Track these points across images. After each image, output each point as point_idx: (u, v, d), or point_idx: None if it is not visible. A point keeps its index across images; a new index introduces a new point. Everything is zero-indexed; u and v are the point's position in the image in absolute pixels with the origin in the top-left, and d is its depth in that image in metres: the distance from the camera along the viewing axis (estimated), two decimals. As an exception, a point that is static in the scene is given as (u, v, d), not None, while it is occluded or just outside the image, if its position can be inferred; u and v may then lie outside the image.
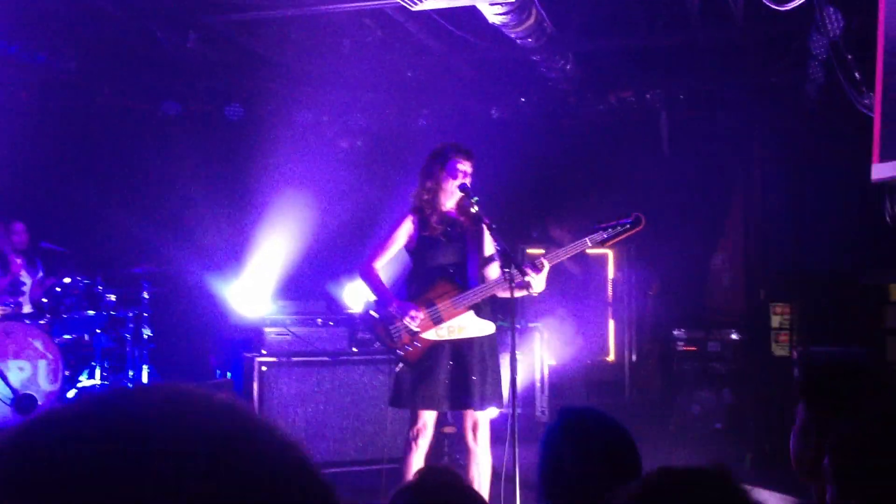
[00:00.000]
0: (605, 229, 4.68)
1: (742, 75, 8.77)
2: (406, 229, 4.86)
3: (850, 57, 5.03)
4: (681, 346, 8.86)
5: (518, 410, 4.43)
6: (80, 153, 9.36)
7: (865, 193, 8.64)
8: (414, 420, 4.78)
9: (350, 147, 10.32)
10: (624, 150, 9.81)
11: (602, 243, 4.72)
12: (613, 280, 9.99)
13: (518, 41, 7.42)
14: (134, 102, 9.44)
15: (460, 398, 4.71)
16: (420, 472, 1.89)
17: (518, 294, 4.55)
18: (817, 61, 7.04)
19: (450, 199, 4.85)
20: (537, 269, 4.52)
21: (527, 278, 4.48)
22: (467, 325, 4.71)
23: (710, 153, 9.51)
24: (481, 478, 4.84)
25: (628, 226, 4.66)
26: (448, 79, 9.41)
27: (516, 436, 4.30)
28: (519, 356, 4.45)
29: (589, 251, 8.76)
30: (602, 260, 9.91)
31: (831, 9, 5.68)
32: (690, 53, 8.64)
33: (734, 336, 8.79)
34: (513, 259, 4.42)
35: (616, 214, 4.70)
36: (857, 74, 5.09)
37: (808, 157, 9.17)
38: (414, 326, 4.63)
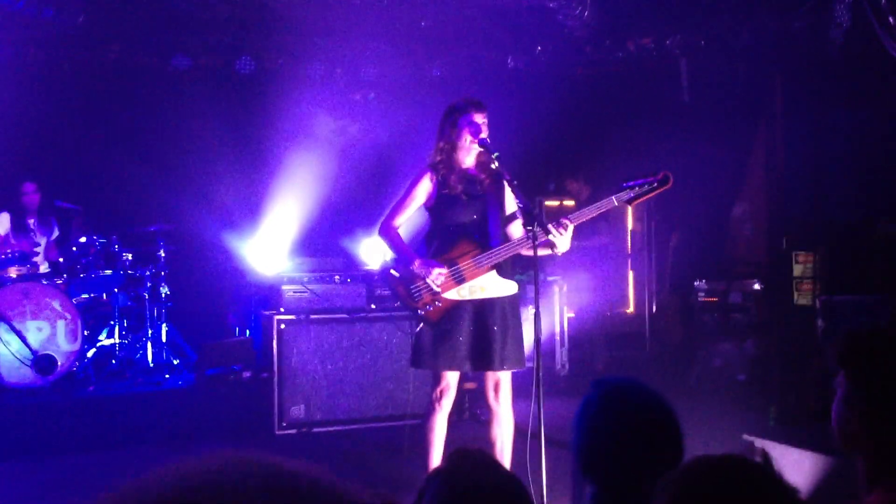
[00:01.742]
0: (631, 188, 4.48)
1: (764, 20, 8.53)
2: (425, 187, 4.74)
3: (883, 1, 4.85)
4: (702, 298, 8.76)
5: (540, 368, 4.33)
6: (90, 110, 9.25)
7: (889, 140, 8.48)
8: (437, 381, 4.72)
9: (363, 99, 10.17)
10: (643, 98, 9.62)
11: (629, 202, 4.52)
12: (633, 231, 9.87)
13: (535, -12, 7.24)
14: (144, 57, 9.28)
15: (480, 359, 4.63)
16: (451, 455, 1.81)
17: (542, 253, 4.43)
18: (843, 5, 6.83)
19: (468, 155, 4.72)
20: (561, 228, 4.39)
21: (551, 237, 4.36)
22: (489, 285, 4.61)
23: (731, 100, 9.30)
24: (504, 437, 4.79)
25: (655, 184, 4.44)
26: (462, 28, 9.21)
27: (541, 393, 4.22)
28: (539, 309, 4.32)
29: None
30: (621, 211, 9.79)
31: (861, -49, 5.48)
32: (711, -3, 8.42)
33: (756, 286, 8.67)
34: (536, 217, 4.28)
35: (643, 172, 4.48)
36: (891, 19, 4.90)
37: (830, 104, 8.97)
38: (436, 286, 4.54)
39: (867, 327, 2.25)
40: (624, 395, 2.02)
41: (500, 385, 4.73)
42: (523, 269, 7.00)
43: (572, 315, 8.68)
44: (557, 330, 8.41)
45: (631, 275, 9.83)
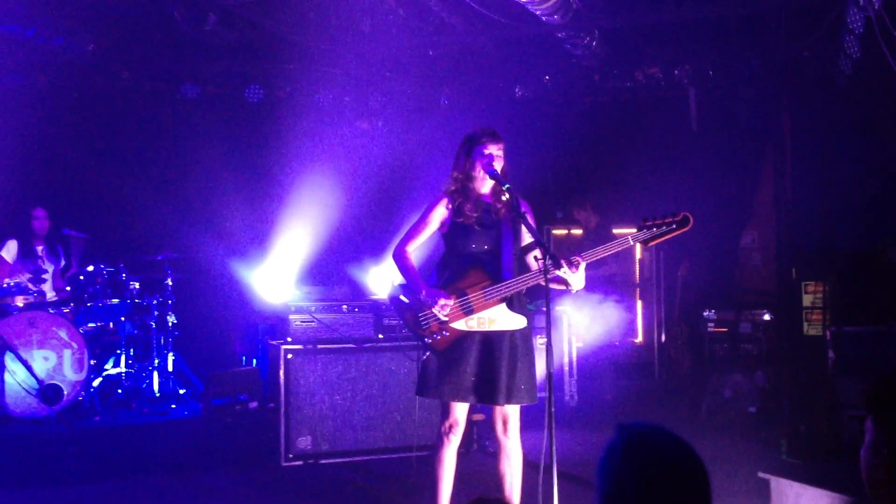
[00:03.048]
0: (649, 228, 4.44)
1: (772, 49, 8.54)
2: (440, 213, 4.73)
3: (897, 34, 4.84)
4: (711, 328, 8.71)
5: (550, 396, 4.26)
6: (99, 137, 9.28)
7: (898, 168, 8.46)
8: (446, 414, 4.66)
9: (371, 127, 10.17)
10: (651, 127, 9.61)
11: (645, 243, 4.48)
12: (641, 260, 9.83)
13: (543, 18, 7.25)
14: (153, 85, 9.32)
15: (486, 392, 4.56)
16: None
17: (555, 287, 4.40)
18: (853, 35, 6.81)
19: (483, 185, 4.70)
20: (573, 267, 4.35)
21: (562, 273, 4.32)
22: (498, 318, 4.56)
23: (739, 129, 9.30)
24: (513, 470, 4.73)
25: (674, 226, 4.39)
26: (470, 57, 9.23)
27: (553, 425, 4.16)
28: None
29: (615, 230, 8.66)
30: (629, 240, 9.75)
31: (872, -18, 5.47)
32: (719, 27, 8.42)
33: (766, 317, 8.61)
34: (548, 251, 4.25)
35: (662, 212, 4.42)
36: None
37: (839, 133, 8.95)
38: (443, 315, 4.50)
39: (893, 372, 2.19)
40: (649, 442, 1.96)
41: (509, 419, 4.67)
42: (532, 298, 6.95)
43: (581, 345, 8.61)
44: (566, 360, 8.35)
45: (640, 304, 9.78)
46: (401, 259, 4.74)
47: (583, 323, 8.57)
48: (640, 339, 9.70)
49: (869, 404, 2.15)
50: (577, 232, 9.59)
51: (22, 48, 8.15)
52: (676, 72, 8.90)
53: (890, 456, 2.09)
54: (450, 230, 4.72)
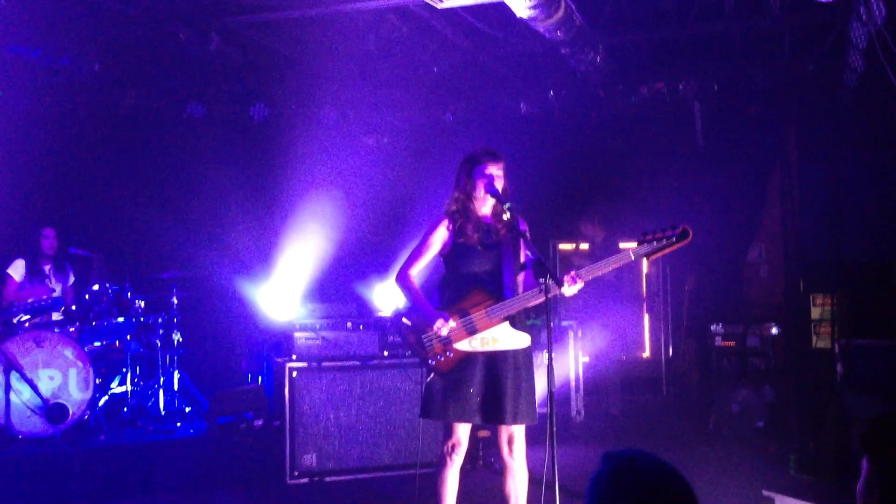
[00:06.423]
0: (649, 242, 4.43)
1: (777, 64, 8.53)
2: (440, 234, 4.72)
3: (897, 51, 4.82)
4: (719, 342, 8.65)
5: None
6: (104, 156, 9.33)
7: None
8: (449, 434, 4.64)
9: (376, 144, 10.19)
10: (657, 142, 9.60)
11: (646, 256, 4.47)
12: (648, 274, 9.80)
13: (547, 35, 7.25)
14: (158, 105, 9.36)
15: (491, 412, 4.55)
16: None
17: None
18: (857, 50, 6.80)
19: (484, 205, 4.69)
20: (573, 282, 4.36)
21: (563, 291, 4.32)
22: (502, 337, 4.55)
23: (745, 144, 9.28)
24: (518, 491, 4.70)
25: (674, 239, 4.39)
26: (475, 73, 9.25)
27: (554, 441, 4.13)
28: (553, 355, 4.23)
29: (622, 244, 8.64)
30: (635, 254, 9.73)
31: (873, -3, 5.46)
32: (724, 43, 8.42)
33: (774, 330, 8.56)
34: (548, 269, 4.24)
35: (661, 226, 4.41)
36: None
37: (845, 146, 8.93)
38: (444, 332, 4.50)
39: (890, 413, 2.18)
40: (635, 469, 1.94)
41: (514, 438, 4.65)
42: (537, 313, 6.94)
43: (587, 360, 8.58)
44: (572, 375, 8.32)
45: (647, 318, 9.74)
46: (404, 282, 4.73)
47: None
48: (647, 353, 9.66)
49: (863, 443, 2.13)
50: (585, 246, 9.59)
51: (28, 69, 8.22)
52: (681, 87, 8.88)
53: (881, 496, 2.08)
54: (451, 251, 4.70)
